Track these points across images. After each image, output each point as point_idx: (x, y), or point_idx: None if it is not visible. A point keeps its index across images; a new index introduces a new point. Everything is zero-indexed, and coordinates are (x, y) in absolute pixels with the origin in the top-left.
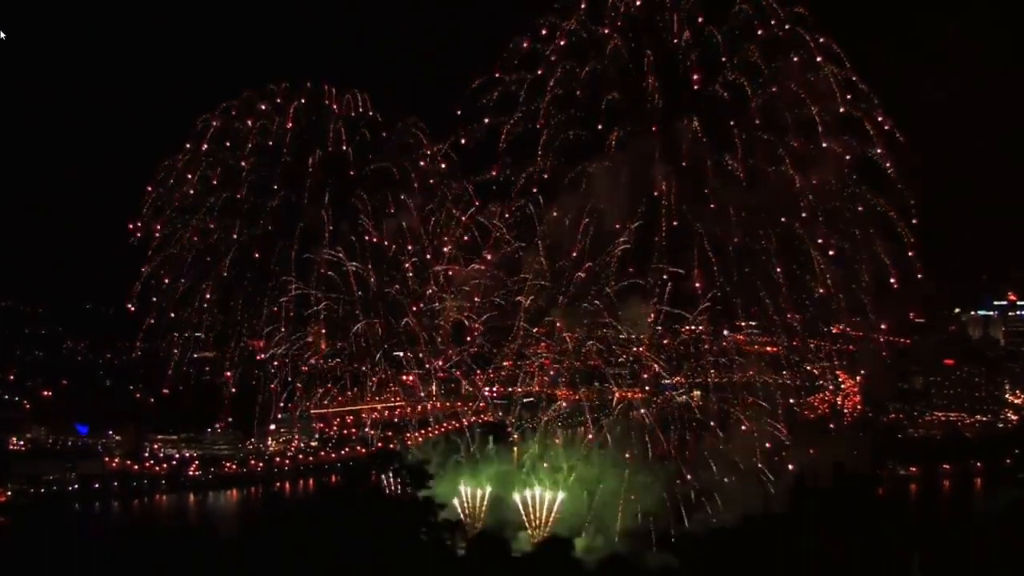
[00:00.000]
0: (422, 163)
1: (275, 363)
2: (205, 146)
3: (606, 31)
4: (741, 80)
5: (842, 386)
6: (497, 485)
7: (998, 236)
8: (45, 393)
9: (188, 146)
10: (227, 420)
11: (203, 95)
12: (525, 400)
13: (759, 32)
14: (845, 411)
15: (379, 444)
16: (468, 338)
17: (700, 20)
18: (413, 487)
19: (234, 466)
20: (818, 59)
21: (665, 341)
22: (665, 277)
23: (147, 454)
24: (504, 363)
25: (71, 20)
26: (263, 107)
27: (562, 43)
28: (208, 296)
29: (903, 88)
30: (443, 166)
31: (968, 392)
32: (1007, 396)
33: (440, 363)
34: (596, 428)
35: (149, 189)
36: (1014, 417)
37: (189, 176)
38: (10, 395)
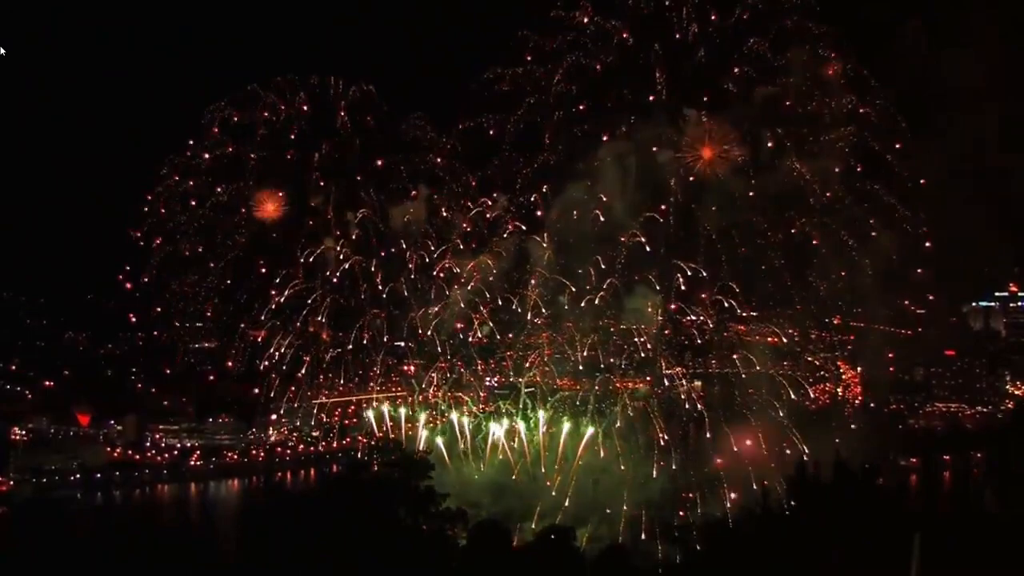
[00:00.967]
0: (428, 156)
1: (276, 353)
2: (211, 139)
3: (613, 23)
4: (748, 71)
5: (843, 377)
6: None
7: (1000, 228)
8: (47, 383)
9: (192, 141)
10: (228, 410)
11: (207, 89)
12: (527, 390)
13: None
14: (847, 401)
15: (379, 434)
16: (473, 329)
17: (713, 17)
18: (414, 477)
19: (235, 456)
20: (822, 51)
21: (667, 331)
22: (675, 268)
23: (148, 444)
24: (506, 353)
25: (76, 15)
26: (270, 100)
27: (569, 36)
28: (210, 287)
29: (908, 79)
30: (449, 159)
31: (969, 383)
32: (1008, 387)
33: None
34: (597, 418)
35: (156, 181)
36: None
37: (194, 168)
38: (12, 385)
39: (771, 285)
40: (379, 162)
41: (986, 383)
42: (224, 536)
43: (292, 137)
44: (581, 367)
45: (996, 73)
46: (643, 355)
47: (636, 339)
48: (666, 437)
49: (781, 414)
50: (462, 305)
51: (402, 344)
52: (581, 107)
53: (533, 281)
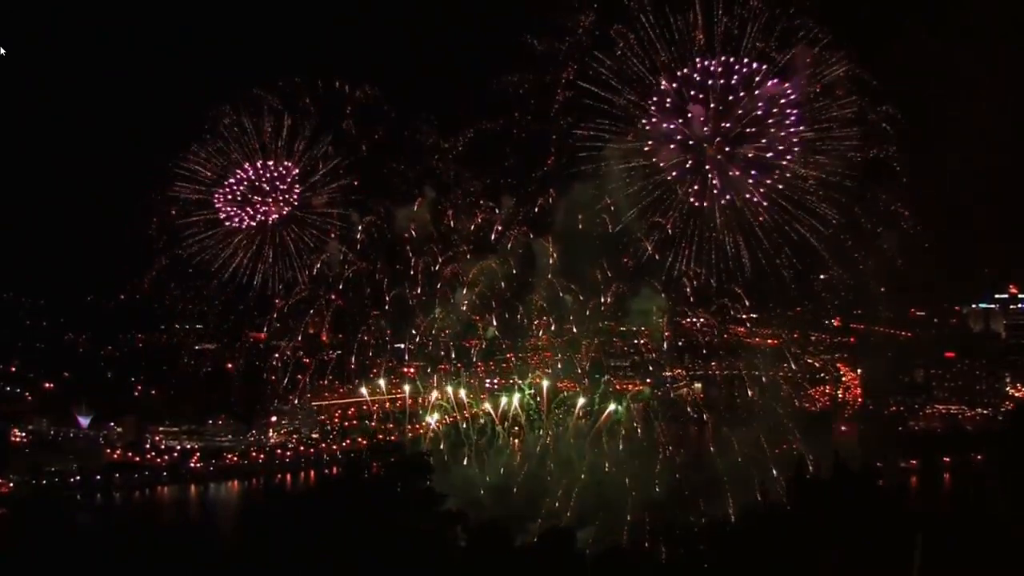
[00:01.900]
0: (434, 161)
1: (277, 355)
2: (216, 141)
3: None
4: (752, 70)
5: (843, 378)
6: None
7: (1000, 229)
8: (47, 385)
9: (194, 145)
10: (229, 411)
11: (207, 89)
12: (526, 392)
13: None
14: (847, 403)
15: (379, 436)
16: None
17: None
18: (413, 479)
19: (235, 458)
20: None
21: (667, 334)
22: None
23: (148, 446)
24: (507, 356)
25: (76, 15)
26: (276, 103)
27: (575, 39)
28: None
29: (907, 79)
30: (455, 164)
31: (969, 385)
32: (1008, 389)
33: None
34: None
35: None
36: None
37: (199, 170)
38: (12, 387)
39: (775, 284)
40: (385, 168)
41: (986, 385)
42: (224, 537)
43: (299, 138)
44: (579, 369)
45: (995, 73)
46: (644, 357)
47: (637, 341)
48: (666, 439)
49: (781, 415)
50: (465, 308)
51: (402, 346)
52: (586, 108)
53: (537, 284)
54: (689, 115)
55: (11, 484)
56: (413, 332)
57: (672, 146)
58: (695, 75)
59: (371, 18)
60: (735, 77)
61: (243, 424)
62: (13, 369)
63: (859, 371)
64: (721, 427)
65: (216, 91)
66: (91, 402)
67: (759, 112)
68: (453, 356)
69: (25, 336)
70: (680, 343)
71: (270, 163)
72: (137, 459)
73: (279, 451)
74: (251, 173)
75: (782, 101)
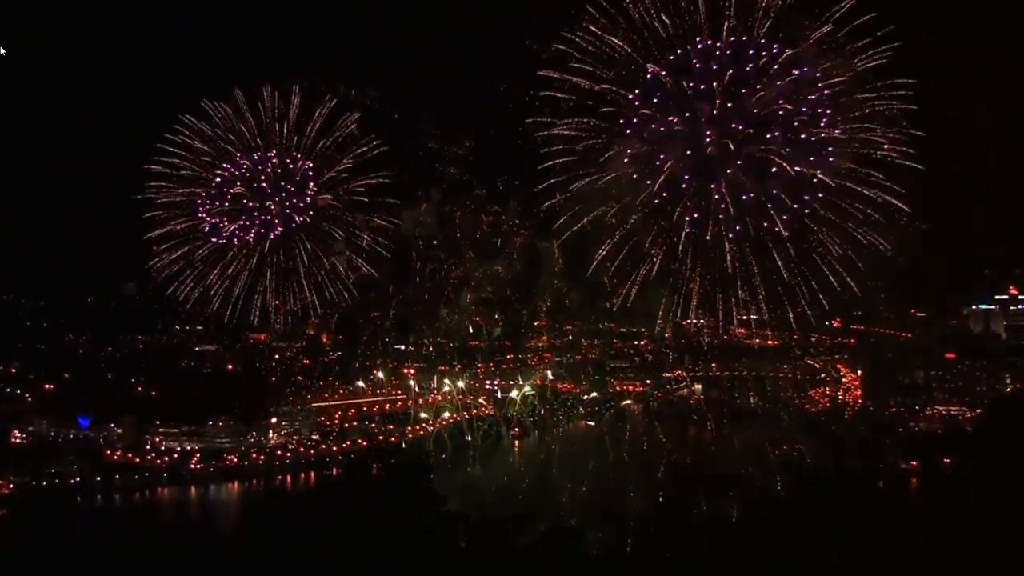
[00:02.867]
0: (438, 167)
1: (277, 356)
2: (218, 142)
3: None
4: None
5: (843, 380)
6: None
7: (1000, 229)
8: (47, 386)
9: (193, 142)
10: (229, 413)
11: (208, 89)
12: (527, 393)
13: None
14: (847, 404)
15: (380, 437)
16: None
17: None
18: (413, 480)
19: (235, 459)
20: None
21: (668, 335)
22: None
23: (148, 447)
24: (507, 357)
25: (76, 15)
26: (278, 102)
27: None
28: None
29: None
30: (461, 168)
31: (969, 386)
32: (1008, 390)
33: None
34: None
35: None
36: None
37: (195, 170)
38: (12, 388)
39: (779, 287)
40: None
41: (986, 386)
42: (224, 538)
43: (302, 139)
44: (579, 371)
45: (994, 72)
46: (645, 358)
47: (637, 342)
48: (667, 439)
49: (781, 416)
50: (468, 310)
51: (403, 347)
52: (592, 112)
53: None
54: (686, 113)
55: (11, 485)
56: (415, 335)
57: (661, 160)
58: (694, 61)
59: (371, 18)
60: (748, 62)
61: (243, 425)
62: (13, 370)
63: (859, 372)
64: (721, 428)
65: (214, 89)
66: (91, 403)
67: (780, 108)
68: (454, 357)
69: (25, 337)
70: (681, 344)
71: (275, 163)
72: (137, 460)
73: (279, 452)
74: (260, 174)
75: (810, 96)
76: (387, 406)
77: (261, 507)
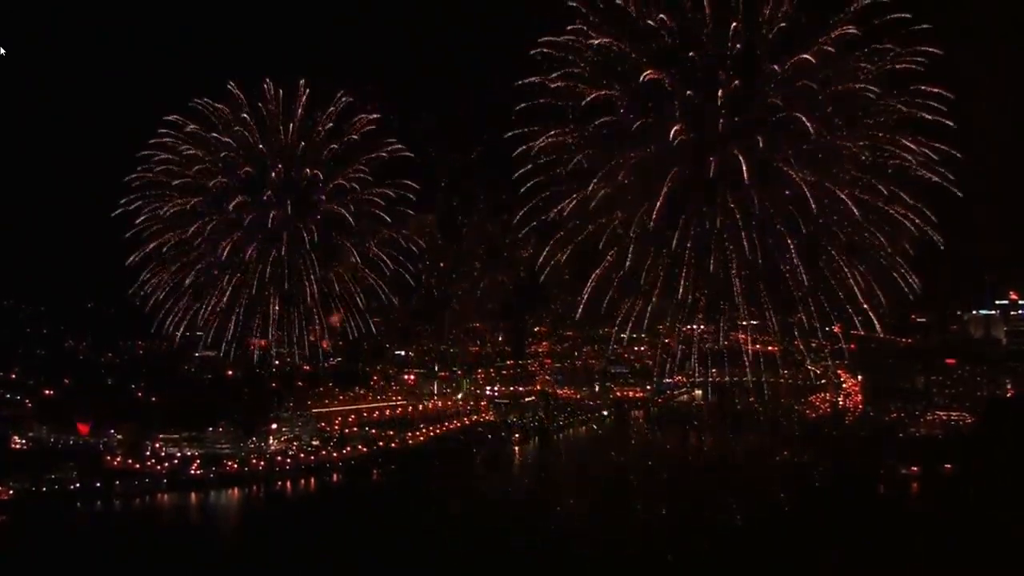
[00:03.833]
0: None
1: (277, 362)
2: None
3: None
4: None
5: (843, 385)
6: None
7: (1001, 235)
8: (47, 392)
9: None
10: (229, 418)
11: (208, 89)
12: (526, 399)
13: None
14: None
15: (380, 443)
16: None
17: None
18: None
19: (235, 465)
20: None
21: (668, 341)
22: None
23: (148, 453)
24: (507, 363)
25: (76, 15)
26: (277, 103)
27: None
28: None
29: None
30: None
31: (970, 391)
32: (1009, 395)
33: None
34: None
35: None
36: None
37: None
38: (12, 393)
39: (783, 289)
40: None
41: (987, 391)
42: (224, 544)
43: (298, 141)
44: (580, 376)
45: (995, 73)
46: (646, 364)
47: (638, 348)
48: (668, 445)
49: (782, 421)
50: (470, 315)
51: (403, 353)
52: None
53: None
54: (689, 121)
55: (11, 491)
56: (416, 341)
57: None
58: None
59: (365, 15)
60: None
61: (243, 431)
62: (13, 376)
63: (859, 377)
64: (722, 434)
65: (214, 89)
66: (91, 409)
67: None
68: (454, 363)
69: (25, 342)
70: (681, 350)
71: (280, 169)
72: (137, 466)
73: (279, 458)
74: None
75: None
76: (387, 411)
77: (261, 511)
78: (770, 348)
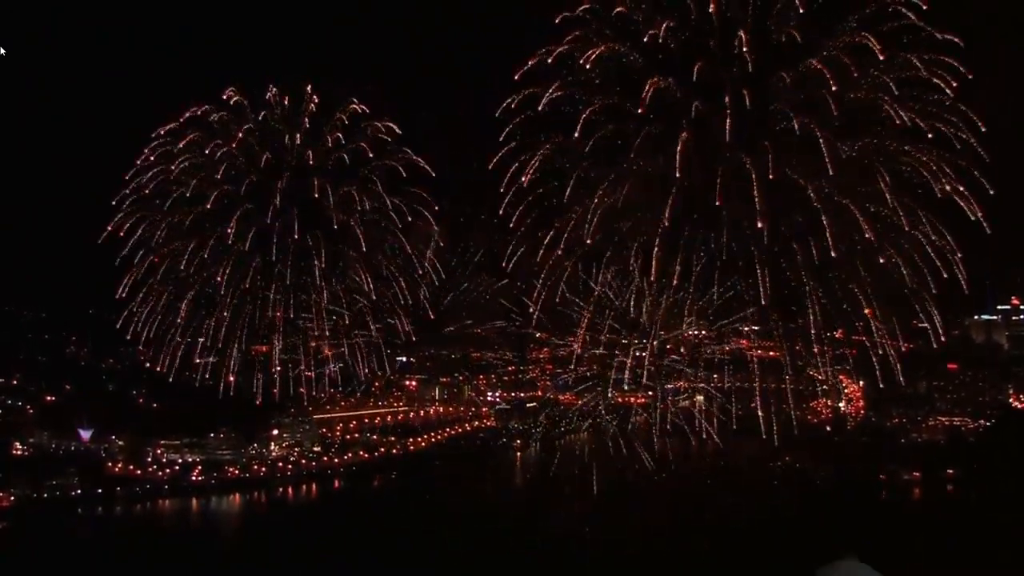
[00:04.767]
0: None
1: (278, 367)
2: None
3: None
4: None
5: (845, 391)
6: None
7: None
8: (48, 398)
9: (181, 145)
10: (230, 424)
11: (208, 90)
12: (528, 405)
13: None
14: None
15: (381, 449)
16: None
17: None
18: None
19: (236, 471)
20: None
21: (669, 346)
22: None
23: (149, 459)
24: (508, 368)
25: (76, 15)
26: (272, 105)
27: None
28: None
29: None
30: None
31: (971, 397)
32: (1011, 400)
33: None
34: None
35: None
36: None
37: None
38: (13, 399)
39: (787, 292)
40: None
41: (989, 396)
42: (226, 549)
43: (293, 144)
44: (584, 382)
45: (994, 73)
46: (642, 368)
47: (639, 353)
48: (666, 452)
49: (783, 427)
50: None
51: (404, 359)
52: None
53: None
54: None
55: (12, 498)
56: (417, 347)
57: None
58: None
59: (365, 15)
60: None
61: (244, 437)
62: (14, 382)
63: (861, 383)
64: (723, 438)
65: (214, 89)
66: (92, 415)
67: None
68: (456, 369)
69: (26, 348)
70: (683, 355)
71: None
72: (138, 472)
73: (280, 464)
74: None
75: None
76: (388, 417)
77: (263, 517)
78: (771, 353)
